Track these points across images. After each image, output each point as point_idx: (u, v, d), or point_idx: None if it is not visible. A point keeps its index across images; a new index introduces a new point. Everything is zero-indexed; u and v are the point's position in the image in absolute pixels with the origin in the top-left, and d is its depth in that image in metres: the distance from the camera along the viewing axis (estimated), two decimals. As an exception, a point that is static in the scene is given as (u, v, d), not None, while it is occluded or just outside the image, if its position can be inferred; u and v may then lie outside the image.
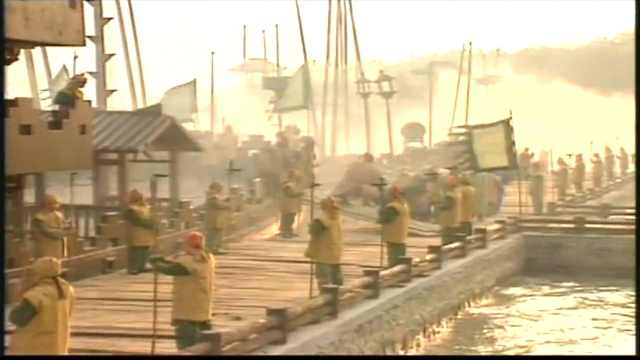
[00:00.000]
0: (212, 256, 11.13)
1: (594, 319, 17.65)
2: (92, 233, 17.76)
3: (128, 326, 12.36)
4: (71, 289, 8.80)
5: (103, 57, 28.53)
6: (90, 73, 27.02)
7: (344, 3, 41.16)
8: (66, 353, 8.66)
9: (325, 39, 41.97)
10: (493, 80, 56.03)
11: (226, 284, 15.08)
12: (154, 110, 21.43)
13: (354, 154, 39.07)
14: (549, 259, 22.82)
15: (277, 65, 44.49)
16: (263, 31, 49.66)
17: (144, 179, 16.37)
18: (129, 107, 32.95)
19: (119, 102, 32.34)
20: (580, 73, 60.62)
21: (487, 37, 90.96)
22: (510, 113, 23.52)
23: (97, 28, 28.28)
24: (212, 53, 40.20)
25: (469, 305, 18.43)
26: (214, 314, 11.26)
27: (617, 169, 39.94)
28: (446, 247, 18.28)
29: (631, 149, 42.92)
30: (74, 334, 9.07)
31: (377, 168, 24.72)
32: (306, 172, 24.81)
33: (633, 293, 20.10)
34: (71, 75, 28.57)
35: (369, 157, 25.41)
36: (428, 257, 17.14)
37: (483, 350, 15.33)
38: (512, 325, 17.05)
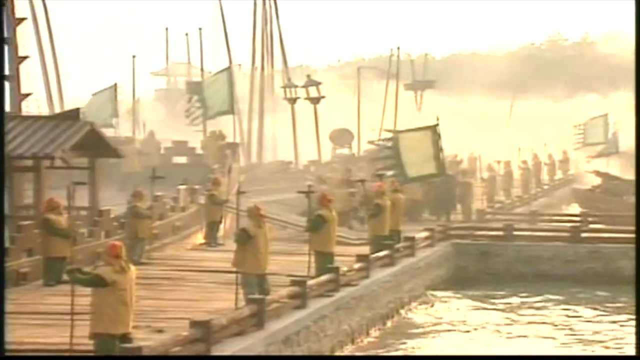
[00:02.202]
0: (132, 267, 10.99)
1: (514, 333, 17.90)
2: (5, 243, 17.30)
3: (43, 341, 12.07)
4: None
5: (16, 60, 27.87)
6: (3, 76, 26.30)
7: (269, 6, 41.14)
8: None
9: (250, 42, 41.87)
10: (422, 86, 56.65)
11: (148, 295, 14.90)
12: (72, 115, 21.02)
13: (281, 160, 39.02)
14: (478, 267, 23.12)
15: (201, 69, 44.11)
16: (186, 34, 49.27)
17: (62, 187, 16.03)
18: (45, 111, 32.28)
19: (35, 106, 31.61)
20: (508, 79, 61.74)
21: (416, 42, 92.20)
22: (437, 119, 23.68)
23: (10, 29, 27.61)
24: (134, 56, 39.70)
25: (398, 315, 18.53)
26: (134, 327, 11.11)
27: (545, 176, 40.70)
28: (375, 255, 18.34)
29: (558, 155, 43.93)
30: (-15, 350, 8.79)
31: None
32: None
33: (554, 298, 20.53)
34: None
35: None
36: (356, 266, 17.17)
37: None
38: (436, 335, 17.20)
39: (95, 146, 21.14)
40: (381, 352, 15.75)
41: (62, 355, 7.88)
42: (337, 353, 15.17)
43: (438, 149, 23.53)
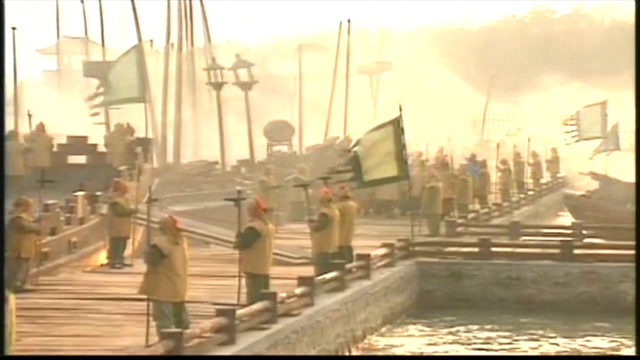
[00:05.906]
0: (13, 295, 10.88)
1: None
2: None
3: None
4: None
5: None
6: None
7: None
8: None
9: (164, 13, 41.79)
10: (379, 68, 57.10)
11: (34, 330, 14.81)
12: (-62, 103, 20.78)
13: (204, 160, 38.97)
14: (447, 291, 23.33)
15: (102, 45, 43.88)
16: (82, 1, 48.95)
17: None
18: None
19: None
20: (485, 59, 62.51)
21: (371, 13, 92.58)
22: (400, 109, 23.80)
23: None
24: (14, 29, 39.26)
25: (349, 351, 18.63)
26: (17, 371, 11.00)
27: (529, 179, 41.19)
28: (320, 278, 18.41)
29: (545, 154, 44.55)
30: None
31: None
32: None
33: (539, 330, 20.81)
34: None
35: None
36: (298, 291, 17.24)
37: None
38: None
39: (-32, 142, 20.89)
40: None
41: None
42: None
43: (400, 146, 23.65)
